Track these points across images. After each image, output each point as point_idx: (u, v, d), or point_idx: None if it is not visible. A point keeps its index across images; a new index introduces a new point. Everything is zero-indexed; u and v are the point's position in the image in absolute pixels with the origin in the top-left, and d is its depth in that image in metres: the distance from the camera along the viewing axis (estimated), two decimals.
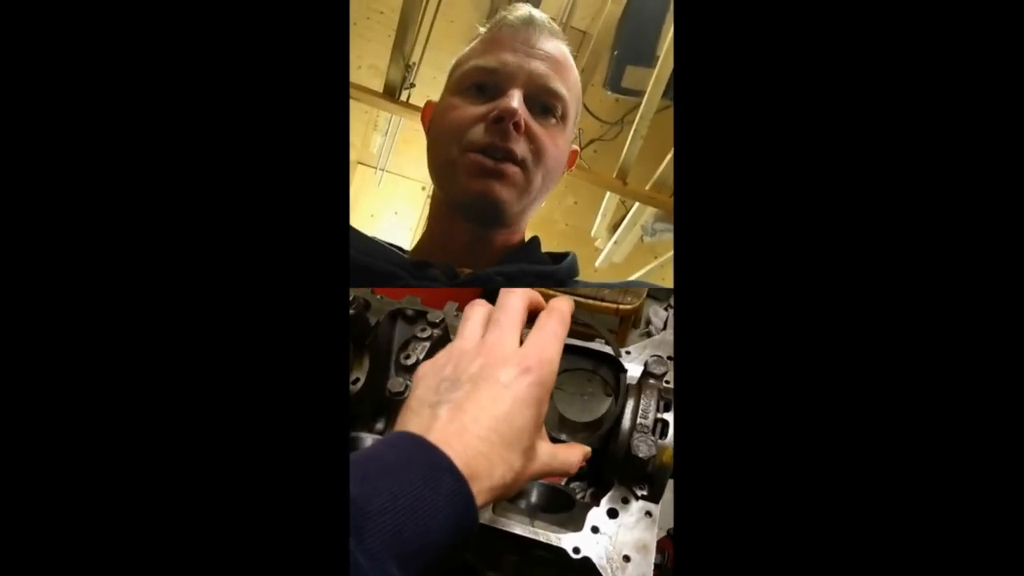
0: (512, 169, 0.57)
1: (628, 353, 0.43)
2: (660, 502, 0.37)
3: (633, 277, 2.12)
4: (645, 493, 0.37)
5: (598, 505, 0.36)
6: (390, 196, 2.36)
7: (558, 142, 0.61)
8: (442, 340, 0.41)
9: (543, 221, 2.12)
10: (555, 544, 0.35)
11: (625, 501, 0.36)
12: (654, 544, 0.35)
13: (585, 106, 1.71)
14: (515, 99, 0.56)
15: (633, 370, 0.41)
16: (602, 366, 0.43)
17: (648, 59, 1.73)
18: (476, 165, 0.56)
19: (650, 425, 0.37)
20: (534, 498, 0.41)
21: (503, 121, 0.56)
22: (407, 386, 0.37)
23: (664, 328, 0.49)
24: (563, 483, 0.40)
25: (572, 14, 1.75)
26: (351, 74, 2.09)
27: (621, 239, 1.93)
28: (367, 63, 2.13)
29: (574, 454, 0.36)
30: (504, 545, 0.35)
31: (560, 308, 0.37)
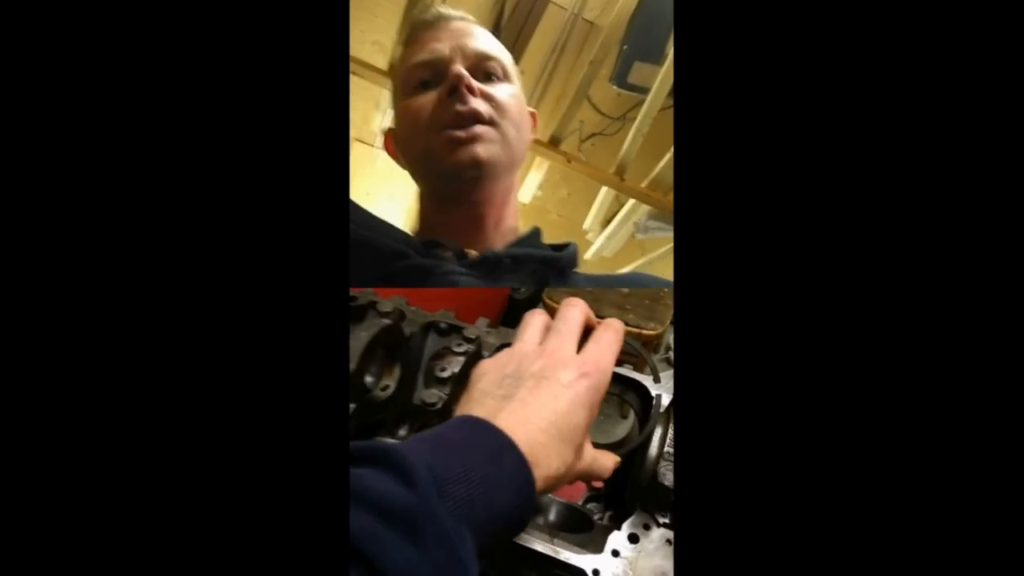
0: (483, 128, 0.59)
1: (657, 382, 0.43)
2: None
3: (622, 271, 2.13)
4: (667, 521, 0.37)
5: (619, 529, 0.36)
6: (386, 175, 2.35)
7: (514, 95, 0.64)
8: (476, 356, 0.42)
9: (535, 211, 2.12)
10: (575, 564, 0.35)
11: (647, 527, 0.36)
12: (671, 572, 0.35)
13: (589, 99, 1.71)
14: (458, 66, 0.60)
15: (662, 399, 0.42)
16: (628, 391, 0.44)
17: (657, 56, 1.72)
18: (449, 139, 0.59)
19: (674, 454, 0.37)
20: (552, 516, 0.41)
21: (457, 88, 0.59)
22: (441, 398, 0.38)
23: None
24: (580, 503, 0.41)
25: (584, 4, 1.74)
26: (354, 48, 2.06)
27: (613, 233, 1.93)
28: (371, 38, 2.11)
29: (609, 461, 0.38)
30: (522, 561, 0.35)
31: (615, 326, 0.40)
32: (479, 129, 0.59)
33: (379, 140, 2.25)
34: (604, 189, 1.81)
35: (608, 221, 1.95)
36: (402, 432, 0.43)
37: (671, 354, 1.99)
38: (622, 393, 0.44)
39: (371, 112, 2.25)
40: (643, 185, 1.62)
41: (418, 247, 0.60)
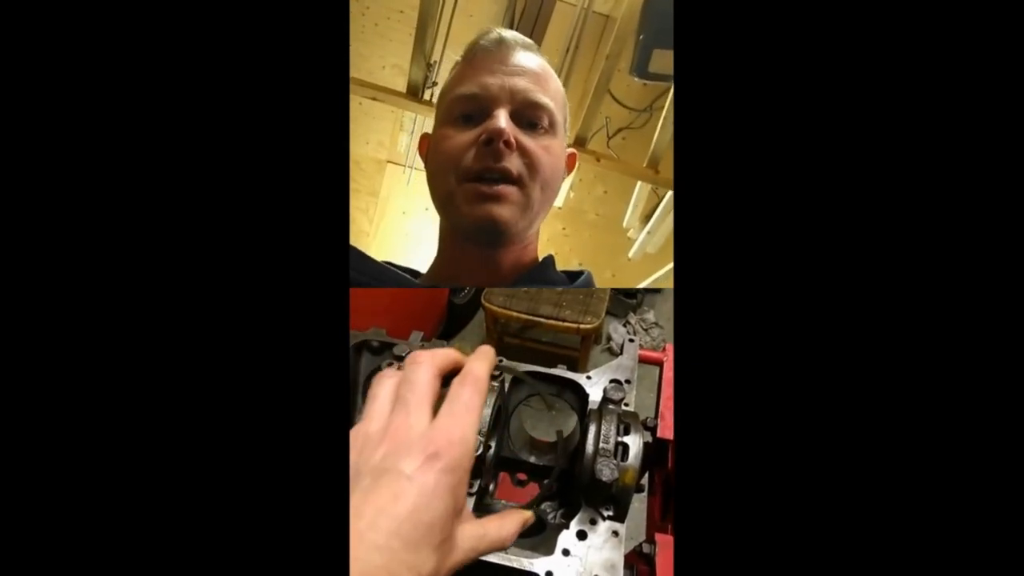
0: (508, 189, 0.57)
1: (589, 378, 0.45)
2: (625, 521, 0.39)
3: (668, 268, 2.08)
4: (611, 513, 0.39)
5: (567, 527, 0.38)
6: (419, 192, 2.37)
7: (551, 151, 0.61)
8: None
9: (572, 212, 2.09)
10: (528, 570, 0.36)
11: (593, 522, 0.38)
12: (621, 562, 0.37)
13: (611, 93, 1.67)
14: (501, 119, 0.57)
15: (594, 394, 0.43)
16: (565, 391, 0.46)
17: None
18: (473, 193, 0.57)
19: (612, 449, 0.39)
20: None
21: (493, 143, 0.57)
22: None
23: (622, 352, 0.52)
24: (535, 505, 0.40)
25: None
26: (375, 75, 2.08)
27: (654, 229, 1.89)
28: (390, 63, 2.12)
29: (508, 525, 0.34)
30: (478, 573, 0.35)
31: (474, 372, 0.34)
32: (504, 189, 0.57)
33: (410, 158, 2.26)
34: (639, 184, 1.77)
35: (648, 216, 1.90)
36: None
37: (612, 344, 2.11)
38: (560, 393, 0.46)
39: (397, 134, 2.27)
40: None
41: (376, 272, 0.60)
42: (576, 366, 0.44)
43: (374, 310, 1.30)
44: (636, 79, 1.76)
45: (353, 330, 0.45)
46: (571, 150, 0.70)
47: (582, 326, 1.54)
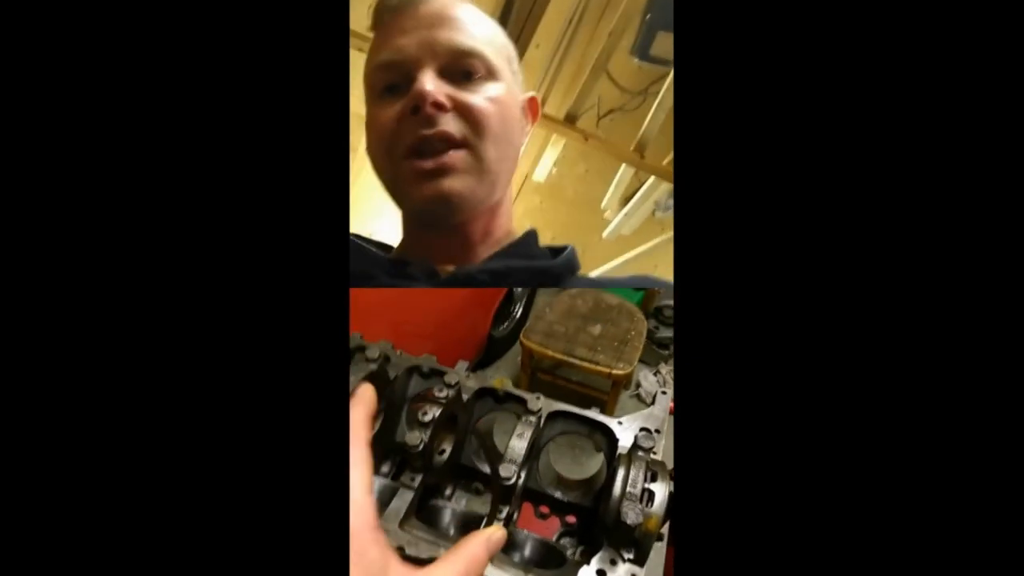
0: (454, 156, 0.51)
1: (620, 424, 0.46)
2: (644, 566, 0.39)
3: (640, 249, 2.08)
4: (631, 556, 0.39)
5: (587, 564, 0.38)
6: None
7: (498, 100, 0.54)
8: (456, 400, 0.44)
9: (552, 188, 2.07)
10: None
11: (613, 563, 0.38)
12: None
13: (608, 73, 1.64)
14: (424, 80, 0.50)
15: (625, 439, 0.44)
16: (596, 432, 0.46)
17: None
18: (414, 171, 0.51)
19: (638, 494, 0.39)
20: (527, 552, 0.43)
21: (420, 109, 0.50)
22: (423, 440, 0.40)
23: (654, 401, 0.53)
24: (555, 539, 0.42)
25: None
26: (364, 22, 2.00)
27: (632, 211, 1.87)
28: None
29: (471, 549, 0.33)
30: None
31: (351, 426, 0.33)
32: (449, 158, 0.51)
33: None
34: (623, 166, 1.74)
35: (627, 199, 1.89)
36: (385, 469, 0.45)
37: (640, 391, 2.17)
38: (590, 434, 0.46)
39: None
40: (665, 162, 1.56)
41: (387, 266, 0.55)
42: (604, 408, 0.46)
43: (422, 335, 1.42)
44: (636, 61, 1.73)
45: (406, 353, 0.48)
46: (531, 94, 0.63)
47: (614, 371, 1.57)
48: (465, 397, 0.45)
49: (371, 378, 0.40)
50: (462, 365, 0.49)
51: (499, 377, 0.47)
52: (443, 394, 0.43)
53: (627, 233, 2.03)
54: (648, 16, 1.65)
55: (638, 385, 2.18)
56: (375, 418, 0.37)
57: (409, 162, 0.51)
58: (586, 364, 1.58)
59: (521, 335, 1.65)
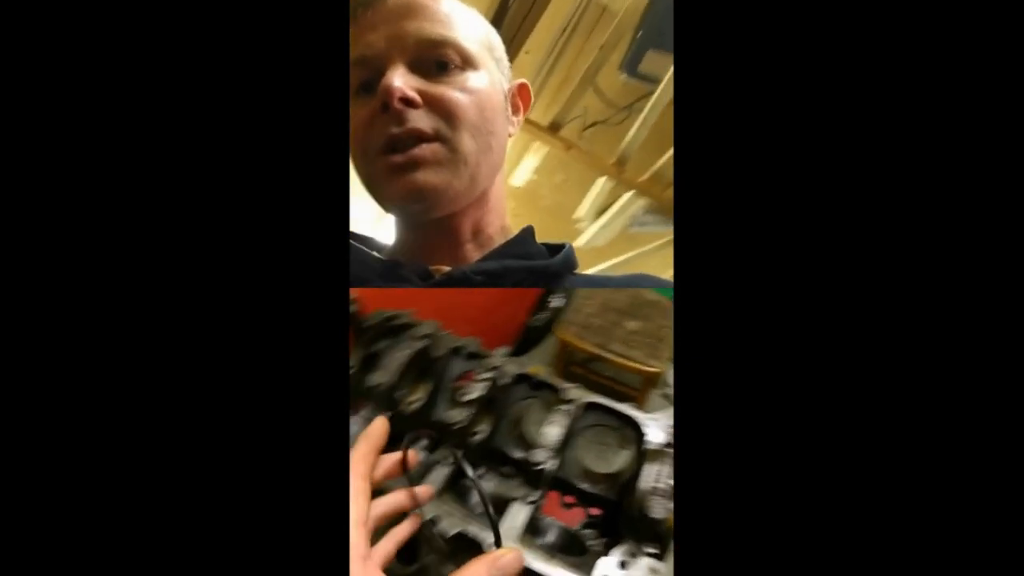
0: (426, 149, 0.49)
1: (654, 421, 0.46)
2: (664, 561, 0.40)
3: (612, 262, 2.09)
4: (653, 551, 0.39)
5: (607, 555, 0.39)
6: None
7: (474, 90, 0.52)
8: (494, 385, 0.45)
9: (528, 194, 2.07)
10: None
11: (634, 555, 0.39)
12: None
13: (595, 86, 1.65)
14: (392, 76, 0.49)
15: (654, 435, 0.44)
16: (626, 427, 0.47)
17: (673, 45, 1.65)
18: (387, 168, 0.50)
19: (666, 490, 0.39)
20: (551, 538, 0.44)
21: (389, 106, 0.49)
22: (464, 419, 0.42)
23: None
24: (578, 528, 0.44)
25: None
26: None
27: (607, 224, 1.89)
28: None
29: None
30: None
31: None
32: (421, 151, 0.49)
33: None
34: (602, 179, 1.76)
35: (602, 211, 1.90)
36: (423, 443, 0.46)
37: (668, 390, 2.09)
38: (621, 428, 0.47)
39: None
40: (643, 178, 1.57)
41: (379, 269, 0.54)
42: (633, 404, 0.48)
43: (467, 319, 1.39)
44: (623, 76, 1.74)
45: (452, 334, 0.49)
46: (520, 81, 0.61)
47: (647, 369, 1.54)
48: (505, 382, 0.45)
49: (419, 355, 0.42)
50: (501, 350, 0.50)
51: (535, 366, 0.48)
52: (485, 376, 0.44)
53: (601, 244, 2.05)
54: (640, 34, 1.66)
55: (667, 384, 2.07)
56: (381, 453, 0.37)
57: (382, 158, 0.50)
58: (621, 360, 1.54)
59: (557, 327, 1.60)
